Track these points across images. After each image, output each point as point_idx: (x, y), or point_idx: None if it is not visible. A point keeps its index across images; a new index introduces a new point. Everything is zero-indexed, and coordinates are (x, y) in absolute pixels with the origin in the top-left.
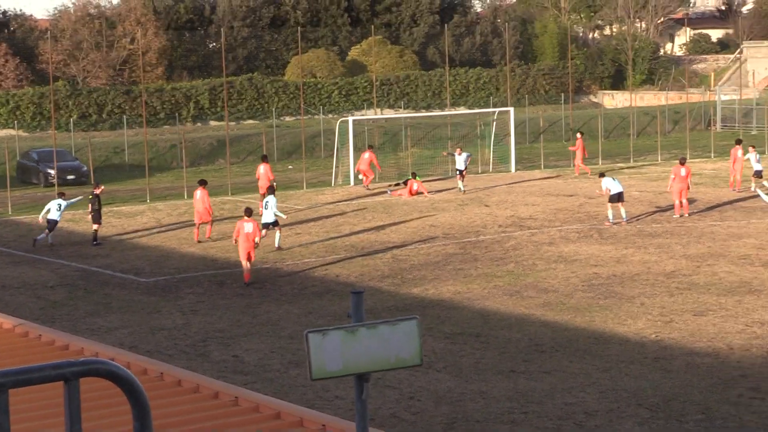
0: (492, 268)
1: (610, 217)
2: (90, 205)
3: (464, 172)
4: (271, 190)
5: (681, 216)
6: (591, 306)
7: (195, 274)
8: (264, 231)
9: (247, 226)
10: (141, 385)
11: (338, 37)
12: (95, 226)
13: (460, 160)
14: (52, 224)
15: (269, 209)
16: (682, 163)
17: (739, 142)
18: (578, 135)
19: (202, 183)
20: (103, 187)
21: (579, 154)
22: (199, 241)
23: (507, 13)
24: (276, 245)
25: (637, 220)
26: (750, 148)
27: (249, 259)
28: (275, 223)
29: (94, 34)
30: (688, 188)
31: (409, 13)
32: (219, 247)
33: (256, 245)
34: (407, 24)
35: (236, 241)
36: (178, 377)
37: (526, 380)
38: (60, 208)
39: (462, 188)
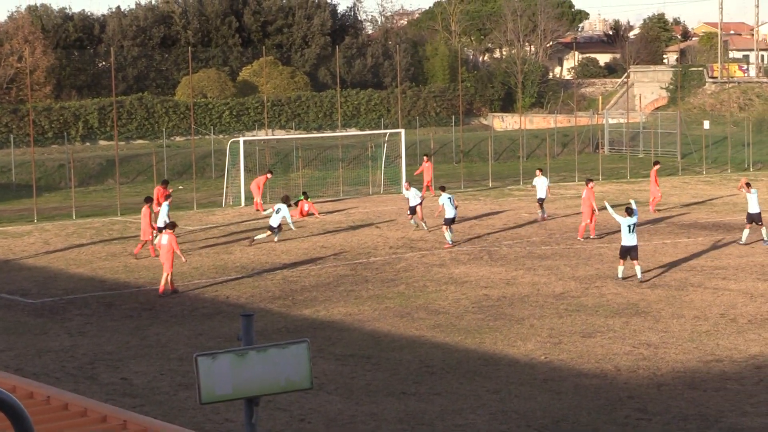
0: (383, 290)
1: (448, 239)
2: None
3: (417, 207)
4: (285, 199)
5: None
6: (481, 327)
7: (83, 295)
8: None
9: (163, 238)
10: (25, 410)
11: (229, 57)
12: None
13: (412, 196)
14: None
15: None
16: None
17: (656, 163)
18: (425, 158)
19: (147, 200)
20: None
21: (428, 176)
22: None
23: (398, 35)
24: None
25: (528, 242)
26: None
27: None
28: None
29: None
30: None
31: (300, 35)
32: (108, 268)
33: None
34: (299, 45)
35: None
36: (65, 401)
37: (416, 402)
38: None
39: (425, 227)
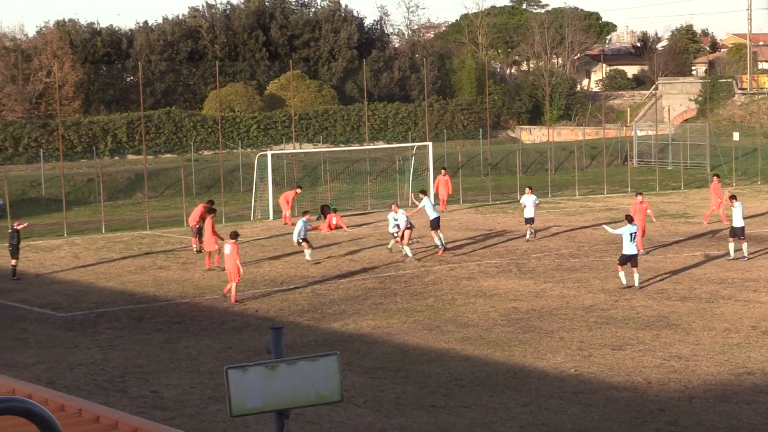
0: (412, 303)
1: (439, 243)
2: (9, 239)
3: (406, 232)
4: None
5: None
6: (510, 340)
7: (113, 308)
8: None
9: (227, 248)
10: (58, 422)
11: (256, 71)
12: (13, 261)
13: (401, 218)
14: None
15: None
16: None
17: (716, 176)
18: (443, 171)
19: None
20: (25, 224)
21: (444, 191)
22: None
23: (425, 48)
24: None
25: (557, 254)
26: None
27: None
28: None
29: (9, 67)
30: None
31: (327, 48)
32: (137, 282)
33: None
34: (325, 59)
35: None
36: (97, 413)
37: (446, 415)
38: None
39: (409, 253)
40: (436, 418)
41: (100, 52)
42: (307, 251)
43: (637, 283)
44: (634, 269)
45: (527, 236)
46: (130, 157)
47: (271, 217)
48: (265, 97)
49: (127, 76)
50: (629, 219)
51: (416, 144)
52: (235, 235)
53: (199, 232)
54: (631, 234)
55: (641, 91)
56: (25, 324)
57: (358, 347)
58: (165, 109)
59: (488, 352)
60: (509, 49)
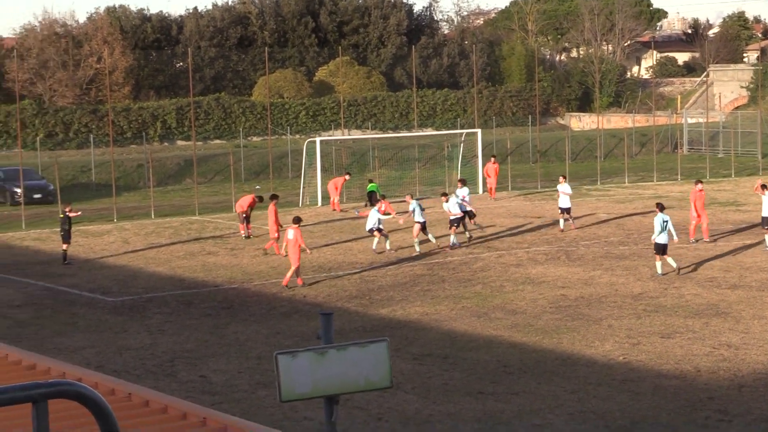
0: (459, 290)
1: (432, 239)
2: (60, 224)
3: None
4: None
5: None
6: (559, 328)
7: (162, 293)
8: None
9: (290, 232)
10: (110, 406)
11: (306, 57)
12: (64, 246)
13: (417, 210)
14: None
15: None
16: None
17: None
18: (492, 159)
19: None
20: (78, 212)
21: (493, 178)
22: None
23: (474, 35)
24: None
25: (606, 242)
26: None
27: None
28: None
29: (60, 53)
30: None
31: (376, 35)
32: (186, 267)
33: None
34: (375, 45)
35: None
36: (146, 398)
37: (494, 402)
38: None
39: (417, 247)
40: (484, 404)
41: (150, 38)
42: (376, 239)
43: (674, 265)
44: (666, 256)
45: (561, 225)
46: (180, 142)
47: (319, 204)
48: (314, 84)
49: (177, 62)
50: (660, 207)
51: (465, 131)
52: (298, 220)
53: (247, 219)
54: (664, 222)
55: (692, 78)
56: (75, 308)
57: (406, 333)
58: (214, 95)
59: (536, 339)
60: (559, 36)
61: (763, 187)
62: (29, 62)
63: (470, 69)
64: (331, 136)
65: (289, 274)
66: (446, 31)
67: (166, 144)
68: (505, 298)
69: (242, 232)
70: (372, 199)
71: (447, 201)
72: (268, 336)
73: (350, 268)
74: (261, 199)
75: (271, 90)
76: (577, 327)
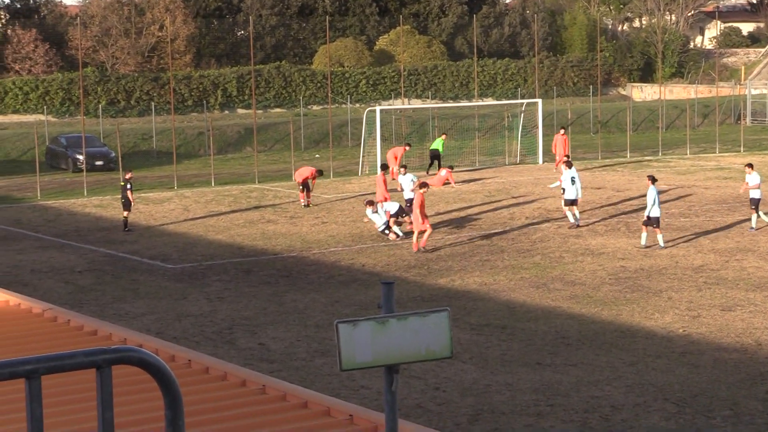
0: (518, 260)
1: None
2: (121, 191)
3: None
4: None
5: None
6: (618, 299)
7: (221, 261)
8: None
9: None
10: (173, 373)
11: (366, 26)
12: (125, 213)
13: (407, 184)
14: None
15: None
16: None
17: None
18: (561, 130)
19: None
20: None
21: (561, 150)
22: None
23: (536, 4)
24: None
25: (667, 213)
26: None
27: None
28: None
29: (123, 20)
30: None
31: (437, 4)
32: (245, 235)
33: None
34: (435, 14)
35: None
36: (206, 364)
37: (552, 373)
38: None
39: (399, 232)
40: (542, 375)
41: (211, 6)
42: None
43: (662, 243)
44: (657, 230)
45: (572, 221)
46: (240, 111)
47: (378, 173)
48: (374, 53)
49: (238, 30)
50: (652, 179)
51: (525, 101)
52: (424, 185)
53: (307, 188)
54: (656, 195)
55: (756, 49)
56: (135, 275)
57: (464, 304)
58: (275, 63)
59: (595, 311)
60: (621, 6)
61: (750, 166)
62: (92, 30)
63: (531, 38)
64: (390, 105)
65: (425, 236)
66: (507, 1)
67: (226, 112)
68: (564, 269)
69: (302, 200)
70: (436, 159)
71: (404, 174)
72: (326, 304)
73: (409, 237)
74: (321, 172)
75: (332, 59)
76: (637, 299)
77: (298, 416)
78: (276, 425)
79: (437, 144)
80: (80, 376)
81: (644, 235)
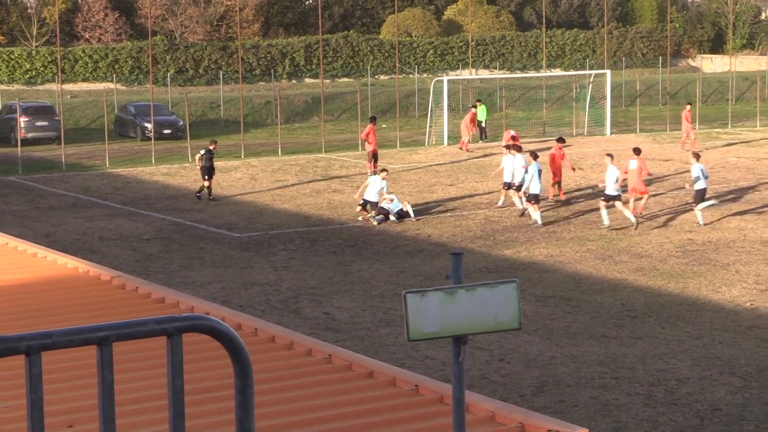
0: (585, 232)
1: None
2: (205, 160)
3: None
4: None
5: None
6: (685, 272)
7: (288, 230)
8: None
9: (632, 163)
10: (243, 342)
11: None
12: (206, 183)
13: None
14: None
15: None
16: None
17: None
18: (688, 106)
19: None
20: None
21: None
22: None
23: None
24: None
25: (736, 186)
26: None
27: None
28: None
29: None
30: None
31: None
32: (312, 205)
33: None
34: None
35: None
36: (272, 333)
37: (617, 345)
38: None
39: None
40: (607, 348)
41: None
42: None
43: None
44: (695, 206)
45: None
46: (307, 80)
47: (446, 143)
48: (442, 22)
49: None
50: (637, 151)
51: (594, 72)
52: (638, 151)
53: (375, 158)
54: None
55: None
56: (202, 243)
57: (530, 275)
58: (343, 33)
59: (662, 284)
60: None
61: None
62: None
63: (601, 9)
64: (458, 75)
65: (642, 202)
66: None
67: (294, 81)
68: (630, 241)
69: (369, 170)
70: (482, 129)
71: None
72: (391, 274)
73: (474, 208)
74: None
75: (400, 28)
76: (704, 272)
77: (363, 386)
78: (342, 394)
79: (481, 114)
80: (144, 344)
81: (698, 213)
